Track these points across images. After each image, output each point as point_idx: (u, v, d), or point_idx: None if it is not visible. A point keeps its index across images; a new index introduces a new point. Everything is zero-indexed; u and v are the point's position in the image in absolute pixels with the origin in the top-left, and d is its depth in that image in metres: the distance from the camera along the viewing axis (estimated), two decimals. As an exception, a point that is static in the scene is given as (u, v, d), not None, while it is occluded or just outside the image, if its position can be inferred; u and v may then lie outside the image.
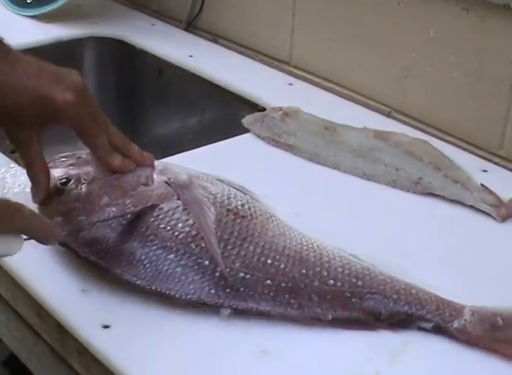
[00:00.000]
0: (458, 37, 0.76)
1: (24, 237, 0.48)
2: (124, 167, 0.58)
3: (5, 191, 0.65)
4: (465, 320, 0.51)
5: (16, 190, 0.65)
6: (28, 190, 0.64)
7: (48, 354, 0.57)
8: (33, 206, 0.59)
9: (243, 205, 0.56)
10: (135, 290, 0.53)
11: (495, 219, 0.65)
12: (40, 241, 0.50)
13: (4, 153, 0.73)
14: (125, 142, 0.59)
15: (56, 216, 0.56)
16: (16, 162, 0.73)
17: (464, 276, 0.58)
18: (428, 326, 0.51)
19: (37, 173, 0.58)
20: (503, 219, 0.65)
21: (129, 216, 0.54)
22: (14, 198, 0.63)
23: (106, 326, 0.50)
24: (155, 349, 0.49)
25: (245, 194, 0.60)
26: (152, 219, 0.54)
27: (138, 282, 0.52)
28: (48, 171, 0.59)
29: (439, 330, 0.51)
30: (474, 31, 0.74)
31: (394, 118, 0.83)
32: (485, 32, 0.73)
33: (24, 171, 0.69)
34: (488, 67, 0.74)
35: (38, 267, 0.56)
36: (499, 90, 0.73)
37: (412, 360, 0.50)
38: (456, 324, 0.51)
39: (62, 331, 0.52)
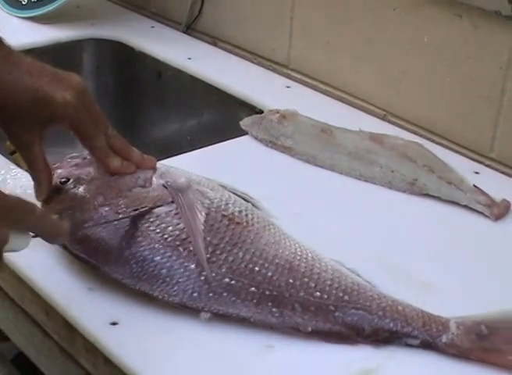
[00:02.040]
0: (451, 43, 0.77)
1: (32, 234, 0.49)
2: (123, 169, 0.59)
3: (6, 192, 0.66)
4: (452, 334, 0.51)
5: (17, 191, 0.66)
6: (29, 191, 0.65)
7: (56, 352, 0.58)
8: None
9: (240, 211, 0.56)
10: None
11: (488, 218, 0.66)
12: (48, 240, 0.51)
13: (4, 155, 0.74)
14: (125, 145, 0.60)
15: (53, 214, 0.57)
16: (17, 164, 0.74)
17: (460, 274, 0.59)
18: (415, 342, 0.51)
19: (39, 173, 0.59)
20: (497, 218, 0.66)
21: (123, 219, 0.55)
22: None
23: (114, 323, 0.51)
24: (163, 345, 0.50)
25: (247, 201, 0.60)
26: (143, 221, 0.54)
27: (124, 281, 0.52)
28: (50, 171, 0.59)
29: (428, 345, 0.51)
30: (466, 37, 0.75)
31: (389, 121, 0.84)
32: (477, 38, 0.74)
33: (25, 173, 0.70)
34: (479, 72, 0.75)
35: (45, 266, 0.56)
36: (490, 94, 0.74)
37: (412, 354, 0.50)
38: (444, 339, 0.51)
39: (69, 329, 0.53)
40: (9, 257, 0.57)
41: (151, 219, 0.55)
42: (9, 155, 0.84)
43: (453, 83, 0.78)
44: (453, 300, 0.54)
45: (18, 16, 1.06)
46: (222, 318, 0.51)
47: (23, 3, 1.06)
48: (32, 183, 0.65)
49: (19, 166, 0.74)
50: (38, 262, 0.57)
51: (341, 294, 0.52)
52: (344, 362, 0.50)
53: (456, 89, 0.78)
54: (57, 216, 0.57)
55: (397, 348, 0.51)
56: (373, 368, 0.49)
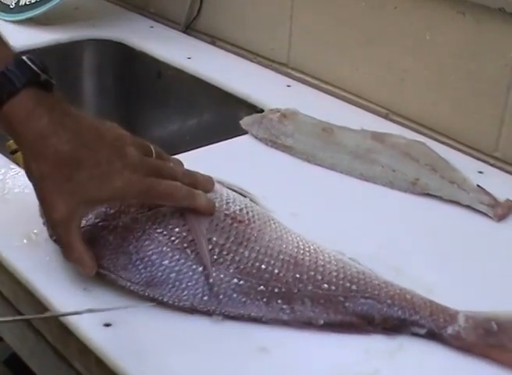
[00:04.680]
0: (454, 41, 0.76)
1: None
2: (211, 206, 0.55)
3: (5, 191, 0.66)
4: (459, 326, 0.51)
5: (16, 190, 0.66)
6: (28, 191, 0.65)
7: (49, 353, 0.57)
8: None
9: (241, 209, 0.56)
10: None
11: (491, 218, 0.65)
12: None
13: (4, 154, 0.74)
14: (192, 176, 0.57)
15: None
16: (16, 163, 0.74)
17: (463, 275, 0.58)
18: (422, 331, 0.51)
19: (80, 254, 0.52)
20: (500, 218, 0.66)
21: (124, 220, 0.54)
22: (14, 199, 0.64)
23: (107, 325, 0.51)
24: (157, 348, 0.50)
25: (244, 196, 0.60)
26: (150, 223, 0.54)
27: (132, 287, 0.52)
28: (90, 251, 0.53)
29: (433, 335, 0.51)
30: (470, 34, 0.75)
31: (391, 120, 0.83)
32: (481, 35, 0.74)
33: (24, 172, 0.70)
34: (483, 70, 0.74)
35: (40, 266, 0.56)
36: (495, 92, 0.74)
37: (411, 357, 0.50)
38: (449, 330, 0.51)
39: (63, 330, 0.53)
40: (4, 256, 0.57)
41: (158, 221, 0.54)
42: (10, 155, 0.84)
43: (457, 82, 0.77)
44: (454, 301, 0.53)
45: (5, 20, 1.05)
46: (234, 319, 0.51)
47: (11, 7, 1.05)
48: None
49: (18, 165, 0.74)
50: (34, 262, 0.57)
51: (348, 285, 0.52)
52: (340, 365, 0.49)
53: (459, 87, 0.77)
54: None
55: (397, 348, 0.51)
56: (370, 372, 0.49)
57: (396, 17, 0.81)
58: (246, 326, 0.51)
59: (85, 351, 0.51)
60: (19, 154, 0.85)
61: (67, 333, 0.52)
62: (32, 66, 0.52)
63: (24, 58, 0.52)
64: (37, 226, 0.59)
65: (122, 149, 0.53)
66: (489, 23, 0.73)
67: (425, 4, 0.78)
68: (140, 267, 0.52)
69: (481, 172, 0.74)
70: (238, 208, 0.56)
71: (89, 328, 0.50)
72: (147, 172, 0.53)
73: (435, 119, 0.80)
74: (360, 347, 0.51)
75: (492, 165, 0.76)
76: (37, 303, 0.54)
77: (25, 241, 0.59)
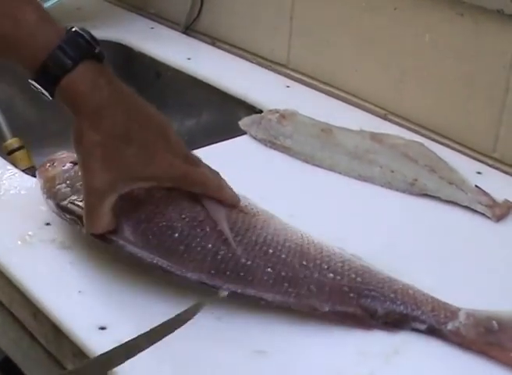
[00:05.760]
0: (453, 42, 0.76)
1: None
2: (237, 200, 0.57)
3: (1, 193, 0.66)
4: (459, 323, 0.51)
5: (11, 192, 0.66)
6: (24, 192, 0.65)
7: (42, 356, 0.57)
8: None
9: (245, 206, 0.57)
10: (133, 290, 0.53)
11: (490, 219, 0.65)
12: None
13: (1, 155, 0.74)
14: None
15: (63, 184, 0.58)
16: (13, 164, 0.74)
17: (461, 275, 0.58)
18: (422, 327, 0.51)
19: (102, 229, 0.53)
20: (498, 219, 0.66)
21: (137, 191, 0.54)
22: (9, 201, 0.65)
23: (102, 328, 0.50)
24: (150, 352, 0.49)
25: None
26: (164, 199, 0.55)
27: (139, 254, 0.52)
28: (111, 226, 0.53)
29: (433, 331, 0.51)
30: (468, 36, 0.74)
31: (390, 120, 0.83)
32: (479, 37, 0.74)
33: (21, 173, 0.70)
34: (482, 71, 0.74)
35: (34, 268, 0.56)
36: (493, 93, 0.74)
37: (406, 361, 0.50)
38: (449, 326, 0.51)
39: (57, 333, 0.52)
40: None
41: (170, 201, 0.55)
42: (6, 155, 0.84)
43: (455, 83, 0.77)
44: (453, 301, 0.53)
45: None
46: (240, 298, 0.51)
47: None
48: (27, 184, 0.65)
49: (15, 166, 0.74)
50: (28, 265, 0.56)
51: (353, 276, 0.53)
52: (337, 366, 0.49)
53: (458, 88, 0.77)
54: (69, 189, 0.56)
55: (397, 346, 0.51)
56: (369, 370, 0.49)
57: (395, 18, 0.80)
58: (243, 330, 0.51)
59: (79, 354, 0.51)
60: (15, 154, 0.85)
61: (61, 336, 0.52)
62: (87, 37, 0.52)
63: (77, 29, 0.52)
64: (32, 228, 0.59)
65: (167, 132, 0.54)
66: (488, 25, 0.73)
67: (425, 5, 0.78)
68: (148, 233, 0.52)
69: (479, 172, 0.74)
70: (242, 204, 0.57)
71: (84, 331, 0.50)
72: (185, 159, 0.54)
73: (433, 120, 0.80)
74: (358, 346, 0.50)
75: (490, 165, 0.76)
76: (31, 305, 0.54)
77: (19, 242, 0.58)
